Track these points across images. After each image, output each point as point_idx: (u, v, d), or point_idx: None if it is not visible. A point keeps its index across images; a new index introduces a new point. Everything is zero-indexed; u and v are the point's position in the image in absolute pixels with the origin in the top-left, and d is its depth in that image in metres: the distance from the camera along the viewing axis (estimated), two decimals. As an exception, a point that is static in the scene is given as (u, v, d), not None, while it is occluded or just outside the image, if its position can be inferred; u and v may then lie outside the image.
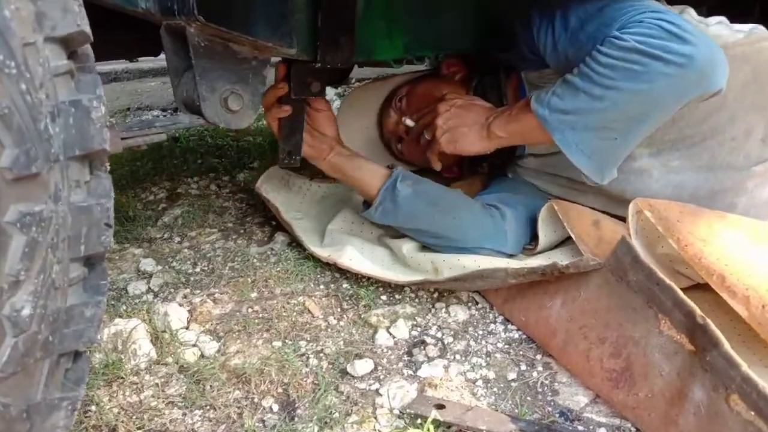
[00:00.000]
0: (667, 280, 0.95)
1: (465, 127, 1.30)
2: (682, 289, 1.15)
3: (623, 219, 1.15)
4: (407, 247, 1.38)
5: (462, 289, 1.29)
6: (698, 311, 0.88)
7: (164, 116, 3.10)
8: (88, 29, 0.57)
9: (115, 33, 1.41)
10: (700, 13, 1.30)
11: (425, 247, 1.39)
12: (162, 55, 1.74)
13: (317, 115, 1.37)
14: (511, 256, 1.35)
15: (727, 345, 0.83)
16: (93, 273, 0.63)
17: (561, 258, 1.27)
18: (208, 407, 1.00)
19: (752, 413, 0.79)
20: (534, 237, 1.37)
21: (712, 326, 0.86)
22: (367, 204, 1.40)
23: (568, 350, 1.07)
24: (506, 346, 1.14)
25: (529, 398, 1.00)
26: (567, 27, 1.17)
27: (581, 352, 1.04)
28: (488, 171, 1.62)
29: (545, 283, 1.15)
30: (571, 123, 1.13)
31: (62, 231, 0.56)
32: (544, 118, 1.15)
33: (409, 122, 1.47)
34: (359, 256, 1.36)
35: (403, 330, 1.18)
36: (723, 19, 1.30)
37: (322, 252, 1.42)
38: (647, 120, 1.11)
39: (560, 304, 1.12)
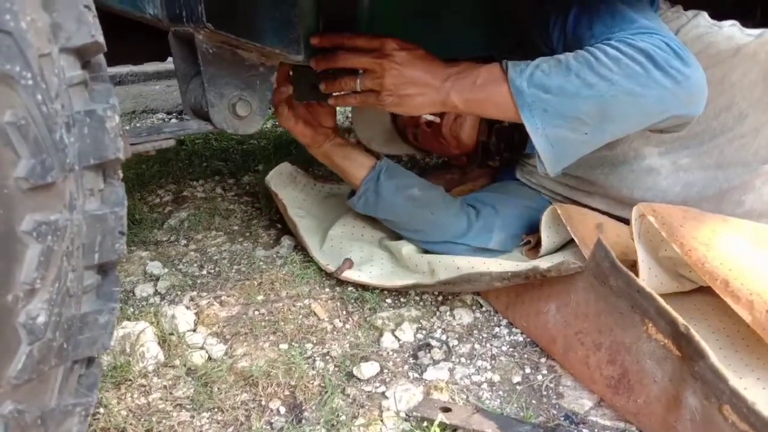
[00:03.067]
0: (647, 288, 0.95)
1: (416, 88, 1.12)
2: (685, 293, 1.18)
3: (628, 221, 1.16)
4: (406, 249, 1.41)
5: (453, 291, 1.30)
6: (680, 320, 0.88)
7: (169, 119, 3.12)
8: (101, 39, 0.58)
9: (122, 38, 1.42)
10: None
11: (425, 250, 1.42)
12: (167, 59, 1.75)
13: (319, 110, 1.40)
14: (501, 253, 1.37)
15: (712, 357, 0.83)
16: (106, 280, 0.64)
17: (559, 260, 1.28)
18: (215, 410, 1.01)
19: (746, 425, 0.79)
20: (531, 235, 1.39)
21: (696, 337, 0.85)
22: (353, 192, 1.44)
23: (569, 356, 1.08)
24: (511, 349, 1.15)
25: (534, 401, 1.01)
26: (577, 23, 1.17)
27: (580, 358, 1.05)
28: (498, 165, 1.63)
29: (539, 288, 1.15)
30: (546, 103, 1.06)
31: (77, 239, 0.57)
32: (520, 90, 1.06)
33: (429, 117, 1.47)
34: (357, 264, 1.38)
35: (408, 333, 1.19)
36: (735, 22, 1.32)
37: (321, 258, 1.43)
38: (623, 124, 1.09)
39: (555, 309, 1.13)
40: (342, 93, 1.18)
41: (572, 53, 1.08)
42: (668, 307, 0.91)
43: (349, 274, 1.36)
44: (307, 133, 1.39)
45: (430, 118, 1.47)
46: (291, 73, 1.25)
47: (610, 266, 1.01)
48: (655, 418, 0.91)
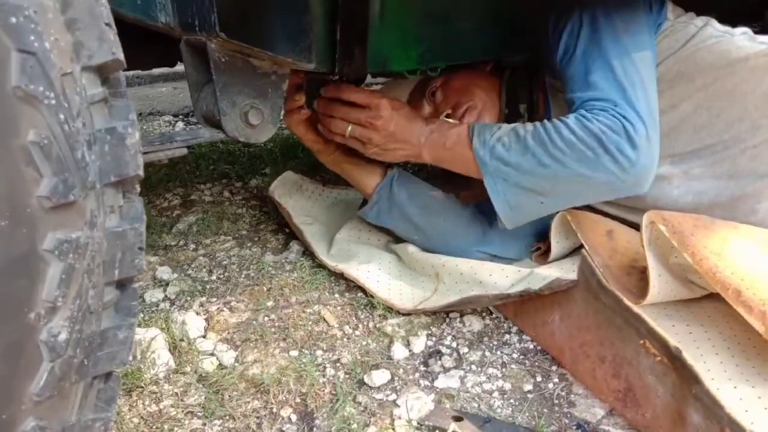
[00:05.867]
0: (635, 308, 0.96)
1: (397, 143, 1.28)
2: (695, 299, 1.17)
3: (638, 226, 1.15)
4: (412, 248, 1.42)
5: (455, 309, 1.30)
6: (672, 343, 0.88)
7: (176, 122, 3.11)
8: (122, 56, 0.58)
9: (131, 44, 1.42)
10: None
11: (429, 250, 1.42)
12: (176, 64, 1.76)
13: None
14: (511, 260, 1.37)
15: (707, 382, 0.83)
16: (125, 295, 0.65)
17: (572, 268, 1.28)
18: (227, 417, 1.01)
19: None
20: (542, 241, 1.40)
21: (689, 361, 0.86)
22: (364, 202, 1.46)
23: (578, 368, 1.08)
24: (521, 357, 1.15)
25: (545, 410, 1.01)
26: (564, 54, 1.21)
27: (588, 370, 1.06)
28: None
29: (542, 298, 1.16)
30: (506, 174, 1.17)
31: (98, 256, 0.57)
32: (483, 160, 1.18)
33: (451, 121, 1.45)
34: (366, 267, 1.39)
35: (418, 340, 1.19)
36: (747, 30, 1.31)
37: (329, 261, 1.44)
38: (575, 199, 1.21)
39: (559, 319, 1.13)
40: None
41: (531, 127, 1.17)
42: (658, 329, 0.92)
43: (358, 275, 1.36)
44: (317, 139, 1.40)
45: (450, 121, 1.45)
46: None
47: (597, 285, 1.02)
48: None
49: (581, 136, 1.10)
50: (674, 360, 0.88)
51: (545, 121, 1.17)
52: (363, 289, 1.36)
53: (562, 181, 1.14)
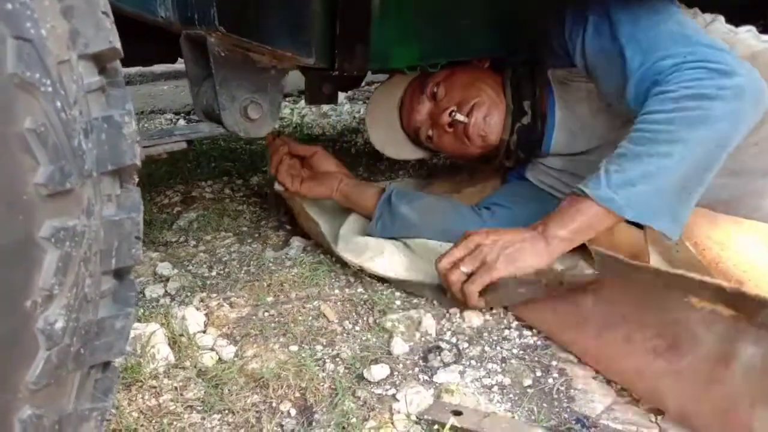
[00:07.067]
0: (675, 271, 0.93)
1: (517, 242, 1.15)
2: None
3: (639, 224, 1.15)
4: (416, 241, 1.43)
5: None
6: (726, 285, 0.86)
7: (178, 120, 3.12)
8: (119, 45, 0.58)
9: (132, 40, 1.42)
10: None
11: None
12: (176, 60, 1.76)
13: (313, 159, 1.46)
14: None
15: None
16: (122, 285, 0.65)
17: (573, 265, 1.28)
18: (226, 411, 1.01)
19: None
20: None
21: (750, 292, 0.84)
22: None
23: (604, 336, 1.06)
24: (521, 352, 1.15)
25: (545, 405, 1.01)
26: (598, 34, 1.18)
27: (622, 336, 1.03)
28: (513, 165, 1.62)
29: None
30: (641, 195, 1.06)
31: (95, 245, 0.57)
32: (610, 199, 1.07)
33: (461, 117, 1.43)
34: (372, 256, 1.38)
35: (418, 335, 1.19)
36: (752, 28, 1.32)
37: (344, 252, 1.42)
38: (717, 162, 1.09)
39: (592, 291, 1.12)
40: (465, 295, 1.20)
41: (625, 141, 1.08)
42: (707, 278, 0.89)
43: (374, 265, 1.36)
44: (317, 187, 1.50)
45: (460, 118, 1.44)
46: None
47: (626, 267, 1.00)
48: (699, 375, 0.90)
49: (672, 107, 1.03)
50: (734, 298, 0.86)
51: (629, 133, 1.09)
52: (363, 285, 1.36)
53: (694, 157, 1.04)
